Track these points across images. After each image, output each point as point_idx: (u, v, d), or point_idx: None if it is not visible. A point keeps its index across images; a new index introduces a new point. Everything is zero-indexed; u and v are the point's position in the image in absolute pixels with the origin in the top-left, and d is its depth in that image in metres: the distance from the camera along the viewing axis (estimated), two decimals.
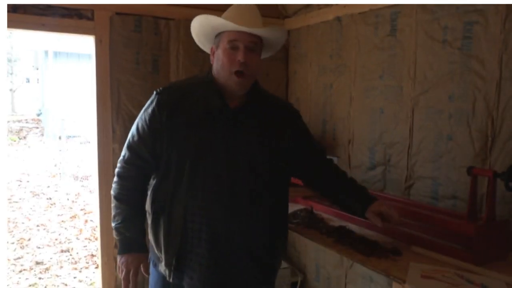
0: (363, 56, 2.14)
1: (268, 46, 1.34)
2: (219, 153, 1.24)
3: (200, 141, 1.24)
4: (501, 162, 1.54)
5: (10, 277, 3.27)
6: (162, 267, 1.33)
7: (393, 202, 1.69)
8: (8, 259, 3.59)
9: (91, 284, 3.16)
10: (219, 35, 1.26)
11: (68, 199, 5.79)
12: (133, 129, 1.32)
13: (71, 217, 4.96)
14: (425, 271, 1.23)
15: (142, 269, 1.33)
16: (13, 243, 4.06)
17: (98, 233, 2.40)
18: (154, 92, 1.31)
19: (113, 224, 1.33)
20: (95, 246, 3.89)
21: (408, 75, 1.90)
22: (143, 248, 1.34)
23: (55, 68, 12.36)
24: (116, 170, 1.34)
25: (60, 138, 9.14)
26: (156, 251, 1.34)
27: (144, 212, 1.35)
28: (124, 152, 1.33)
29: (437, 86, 1.77)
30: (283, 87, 2.79)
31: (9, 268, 3.43)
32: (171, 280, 1.31)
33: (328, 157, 1.56)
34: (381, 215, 1.38)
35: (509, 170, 1.30)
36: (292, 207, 1.83)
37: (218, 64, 1.25)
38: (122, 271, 1.31)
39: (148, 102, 1.31)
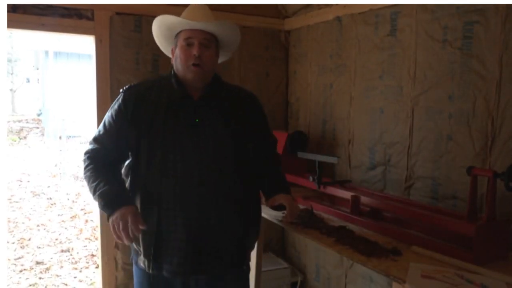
0: (363, 56, 2.14)
1: (225, 46, 1.45)
2: (186, 140, 1.32)
3: (167, 131, 1.32)
4: (501, 162, 1.53)
5: (11, 277, 3.27)
6: (141, 260, 1.37)
7: (393, 202, 1.69)
8: (9, 259, 3.60)
9: (91, 284, 3.16)
10: (177, 35, 1.38)
11: (68, 199, 5.79)
12: (100, 125, 1.41)
13: (71, 217, 4.97)
14: (425, 271, 1.23)
15: (135, 221, 1.24)
16: (13, 243, 4.06)
17: (98, 233, 2.40)
18: (120, 90, 1.41)
19: (93, 196, 1.32)
20: (95, 246, 3.90)
21: (408, 75, 1.90)
22: (130, 201, 1.31)
23: (56, 68, 12.35)
24: (84, 157, 1.40)
25: (60, 138, 9.15)
26: (134, 245, 1.38)
27: (119, 178, 1.38)
28: (91, 144, 1.41)
29: (437, 86, 1.77)
30: (283, 87, 2.79)
31: (9, 268, 3.44)
32: (150, 271, 1.34)
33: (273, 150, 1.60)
34: (279, 203, 1.45)
35: (509, 170, 1.30)
36: None
37: (177, 60, 1.36)
38: (116, 228, 1.23)
39: (115, 100, 1.40)
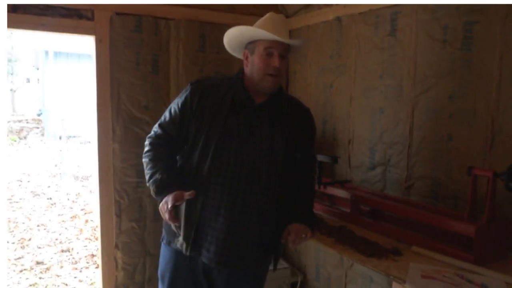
0: (363, 56, 2.14)
1: (292, 52, 1.50)
2: (241, 138, 1.38)
3: (225, 126, 1.38)
4: (501, 162, 1.53)
5: (11, 277, 3.27)
6: (179, 242, 1.43)
7: (393, 202, 1.68)
8: (9, 259, 3.60)
9: (91, 284, 3.16)
10: (254, 42, 1.41)
11: (68, 199, 5.79)
12: (166, 112, 1.49)
13: (71, 217, 4.96)
14: (425, 271, 1.24)
15: (184, 198, 1.36)
16: (13, 243, 4.06)
17: (98, 233, 2.40)
18: (189, 83, 1.48)
19: (149, 182, 1.42)
20: (96, 246, 3.89)
21: (408, 75, 1.90)
22: (181, 186, 1.39)
23: (56, 68, 12.36)
24: (147, 142, 1.50)
25: (60, 138, 9.15)
26: (172, 227, 1.44)
27: (174, 167, 1.47)
28: (155, 129, 1.50)
29: (437, 86, 1.77)
30: (283, 87, 2.78)
31: (9, 268, 3.44)
32: (188, 253, 1.41)
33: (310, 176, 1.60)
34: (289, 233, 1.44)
35: (509, 170, 1.30)
36: None
37: (254, 67, 1.40)
38: (163, 211, 1.38)
39: (183, 91, 1.48)
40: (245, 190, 1.37)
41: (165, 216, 1.38)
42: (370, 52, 2.09)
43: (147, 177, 1.44)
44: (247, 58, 1.44)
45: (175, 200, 1.35)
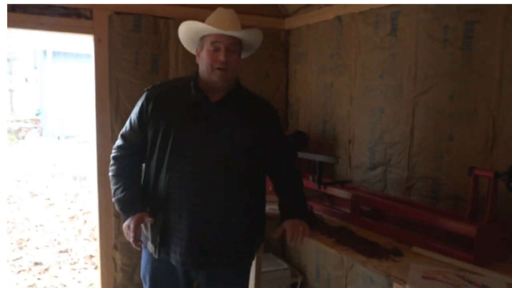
0: (363, 56, 2.13)
1: (247, 47, 1.51)
2: (198, 138, 1.38)
3: (181, 128, 1.38)
4: (502, 162, 1.53)
5: (9, 278, 3.25)
6: (149, 245, 1.46)
7: (393, 202, 1.68)
8: (7, 260, 3.58)
9: (90, 285, 3.15)
10: (203, 38, 1.42)
11: (67, 199, 5.77)
12: (127, 121, 1.52)
13: (70, 218, 4.95)
14: (426, 272, 1.23)
15: (145, 221, 1.44)
16: (12, 243, 4.04)
17: (97, 234, 2.39)
18: (145, 89, 1.50)
19: (113, 199, 1.48)
20: (94, 247, 3.88)
21: (408, 74, 1.89)
22: (142, 209, 1.45)
23: (54, 67, 12.34)
24: (111, 155, 1.52)
25: (59, 138, 9.13)
26: (144, 231, 1.48)
27: (140, 184, 1.49)
28: (118, 140, 1.52)
29: (437, 86, 1.76)
30: (283, 87, 2.78)
31: (8, 268, 3.42)
32: (157, 256, 1.43)
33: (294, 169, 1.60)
34: (285, 231, 1.46)
35: (510, 170, 1.29)
36: None
37: (203, 63, 1.41)
38: (125, 234, 1.45)
39: (140, 98, 1.50)
40: (205, 189, 1.36)
41: (130, 239, 1.42)
42: (371, 51, 2.09)
43: (111, 193, 1.48)
44: (198, 54, 1.45)
45: (136, 224, 1.40)
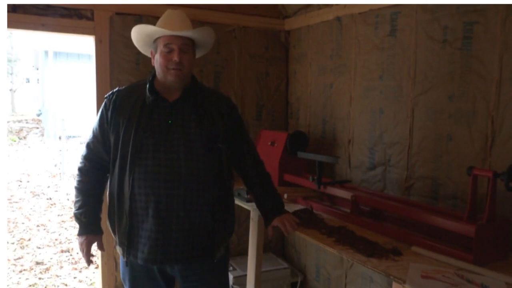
0: (363, 56, 2.14)
1: (201, 46, 1.55)
2: (157, 138, 1.41)
3: (139, 130, 1.41)
4: (501, 162, 1.53)
5: (10, 277, 3.26)
6: (118, 248, 1.50)
7: (393, 202, 1.68)
8: (8, 259, 3.59)
9: (91, 284, 3.16)
10: (156, 40, 1.45)
11: (68, 199, 5.79)
12: (91, 131, 1.54)
13: (71, 217, 4.96)
14: (425, 271, 1.23)
15: (96, 246, 1.56)
16: (13, 243, 4.06)
17: None
18: (105, 96, 1.52)
19: (73, 211, 1.54)
20: (95, 247, 3.89)
21: (408, 75, 1.90)
22: (97, 231, 1.55)
23: (55, 68, 12.35)
24: (77, 165, 1.55)
25: (60, 138, 9.13)
26: (113, 235, 1.51)
27: (101, 200, 1.56)
28: (83, 149, 1.55)
29: (437, 86, 1.77)
30: (283, 87, 2.79)
31: (9, 268, 3.43)
32: (125, 258, 1.47)
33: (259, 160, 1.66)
34: (277, 227, 1.58)
35: (509, 170, 1.30)
36: (292, 207, 1.83)
37: (158, 65, 1.45)
38: (81, 249, 1.56)
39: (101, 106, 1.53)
40: (167, 187, 1.39)
41: (83, 258, 1.54)
42: (370, 52, 2.09)
43: (73, 203, 1.54)
44: (153, 56, 1.48)
45: (88, 248, 1.52)
